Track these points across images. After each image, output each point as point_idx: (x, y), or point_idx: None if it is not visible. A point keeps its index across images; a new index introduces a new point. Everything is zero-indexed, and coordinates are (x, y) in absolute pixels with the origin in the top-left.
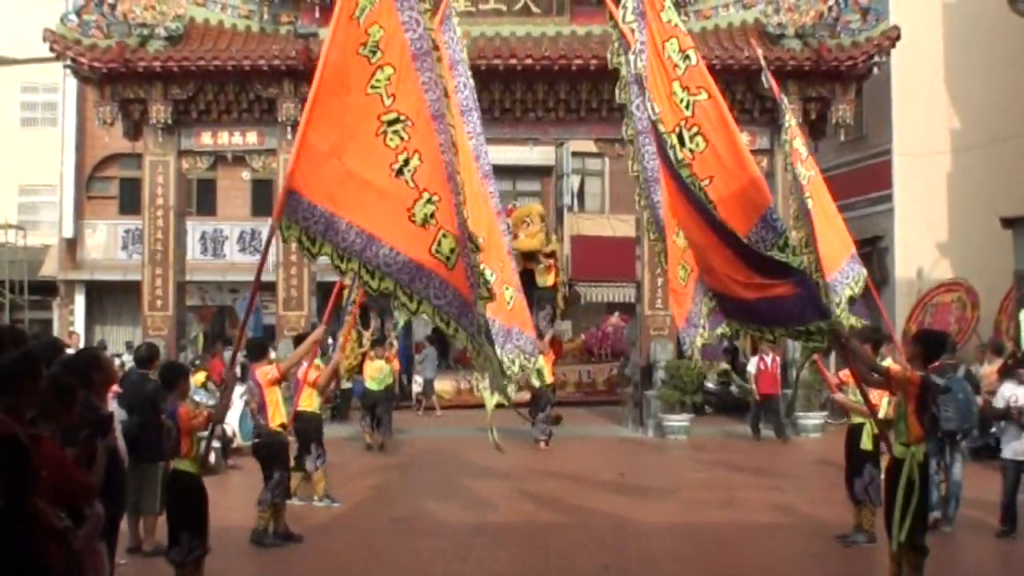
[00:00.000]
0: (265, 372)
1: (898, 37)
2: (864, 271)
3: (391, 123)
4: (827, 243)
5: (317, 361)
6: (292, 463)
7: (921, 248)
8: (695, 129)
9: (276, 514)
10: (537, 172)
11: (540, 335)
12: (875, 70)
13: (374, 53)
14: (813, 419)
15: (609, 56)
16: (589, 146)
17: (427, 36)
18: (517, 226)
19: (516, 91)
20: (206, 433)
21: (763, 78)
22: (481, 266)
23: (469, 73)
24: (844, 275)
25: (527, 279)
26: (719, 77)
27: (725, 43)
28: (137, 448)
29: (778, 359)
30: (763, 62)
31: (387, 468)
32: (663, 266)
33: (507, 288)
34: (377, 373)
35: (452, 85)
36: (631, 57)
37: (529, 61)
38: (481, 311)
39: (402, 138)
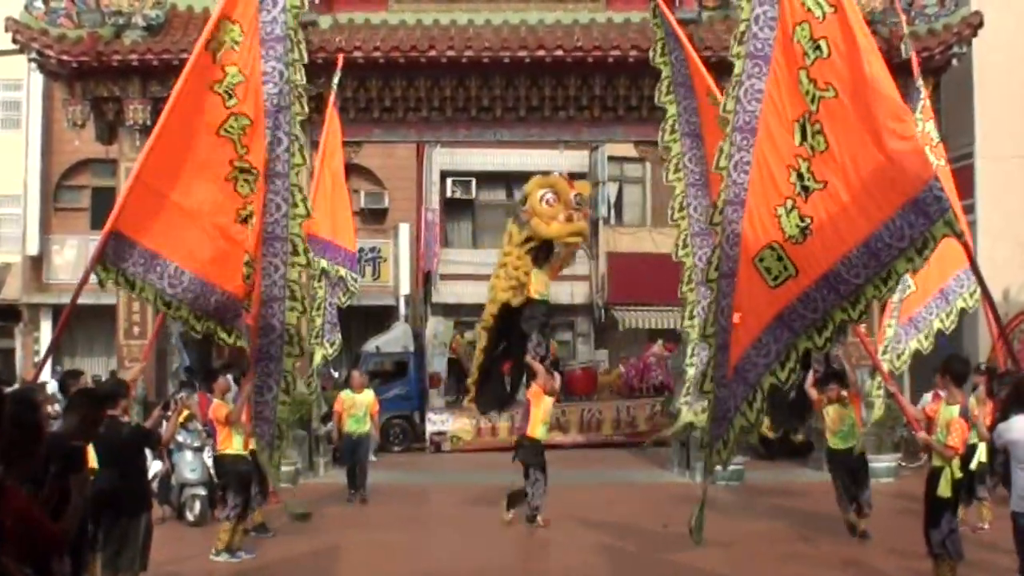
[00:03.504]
0: None
1: (980, 24)
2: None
3: (243, 171)
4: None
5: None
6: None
7: (1009, 265)
8: (817, 126)
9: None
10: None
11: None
12: (955, 62)
13: (230, 96)
14: (885, 462)
15: (651, 55)
16: (628, 149)
17: (288, 90)
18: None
19: (544, 87)
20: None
21: (903, 49)
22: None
23: (293, 122)
24: (959, 282)
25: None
26: None
27: None
28: (117, 501)
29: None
30: (905, 29)
31: (410, 517)
32: (688, 286)
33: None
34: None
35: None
36: (754, 30)
37: (559, 53)
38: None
39: (252, 190)
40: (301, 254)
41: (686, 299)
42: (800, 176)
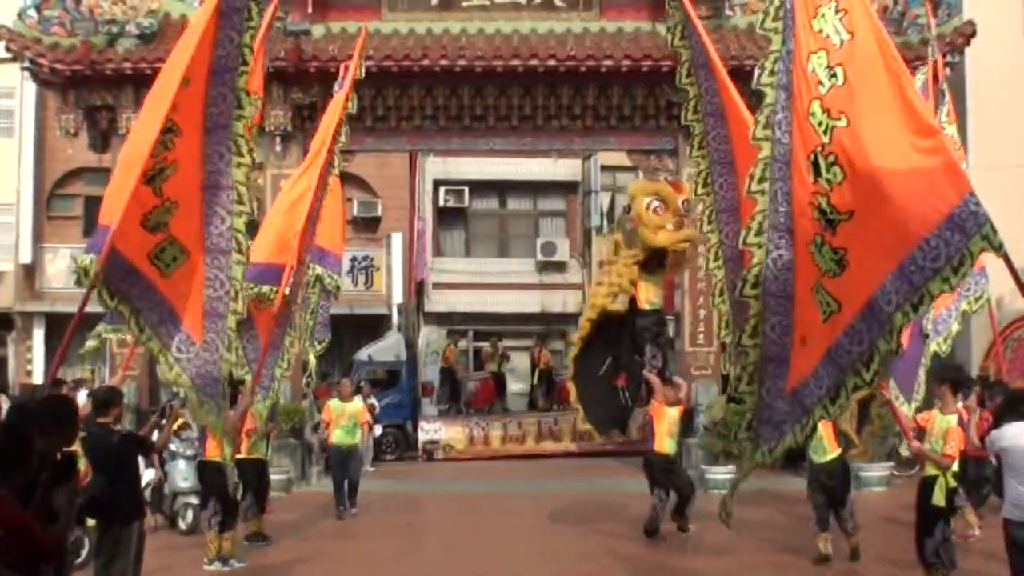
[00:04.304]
0: None
1: (973, 34)
2: (990, 287)
3: (164, 132)
4: None
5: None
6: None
7: (1002, 275)
8: (832, 157)
9: None
10: (561, 188)
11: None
12: (948, 71)
13: (187, 83)
14: (877, 471)
15: (669, 39)
16: (621, 159)
17: (237, 52)
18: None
19: (537, 96)
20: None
21: (930, 51)
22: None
23: (238, 79)
24: (966, 288)
25: None
26: None
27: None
28: (109, 510)
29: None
30: (934, 31)
31: (402, 526)
32: (716, 263)
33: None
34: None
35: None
36: (778, 64)
37: (552, 62)
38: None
39: (167, 148)
40: (246, 203)
41: (715, 276)
42: (822, 212)
